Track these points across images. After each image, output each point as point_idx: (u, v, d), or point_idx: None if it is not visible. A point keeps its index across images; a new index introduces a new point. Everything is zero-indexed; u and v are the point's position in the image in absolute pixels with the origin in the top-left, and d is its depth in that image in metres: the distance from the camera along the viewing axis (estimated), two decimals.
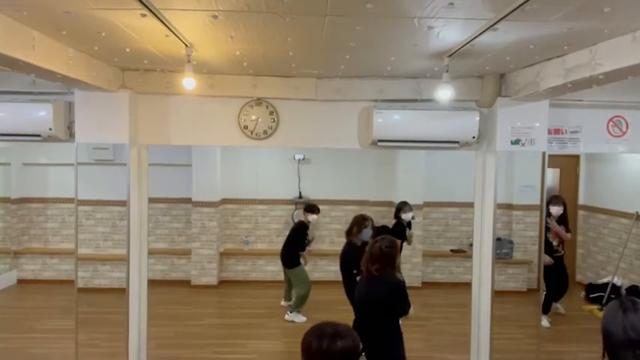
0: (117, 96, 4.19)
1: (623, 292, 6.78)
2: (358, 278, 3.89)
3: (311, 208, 6.57)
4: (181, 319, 6.32)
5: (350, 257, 4.88)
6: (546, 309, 6.20)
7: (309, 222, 6.58)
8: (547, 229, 6.06)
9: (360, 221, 5.05)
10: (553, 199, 6.16)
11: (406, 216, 6.44)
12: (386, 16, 2.61)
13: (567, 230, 6.18)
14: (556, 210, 6.07)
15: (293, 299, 6.51)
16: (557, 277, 6.18)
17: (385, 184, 7.80)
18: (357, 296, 3.62)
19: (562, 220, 6.14)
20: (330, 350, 1.75)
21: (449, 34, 2.90)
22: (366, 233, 4.98)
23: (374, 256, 3.44)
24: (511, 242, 7.77)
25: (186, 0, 2.40)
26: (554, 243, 6.19)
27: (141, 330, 4.52)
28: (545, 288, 6.07)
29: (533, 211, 7.57)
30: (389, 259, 3.43)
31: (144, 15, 2.57)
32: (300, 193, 8.04)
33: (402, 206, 6.47)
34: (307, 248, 6.62)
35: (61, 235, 7.96)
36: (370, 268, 3.45)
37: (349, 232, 5.09)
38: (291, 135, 4.49)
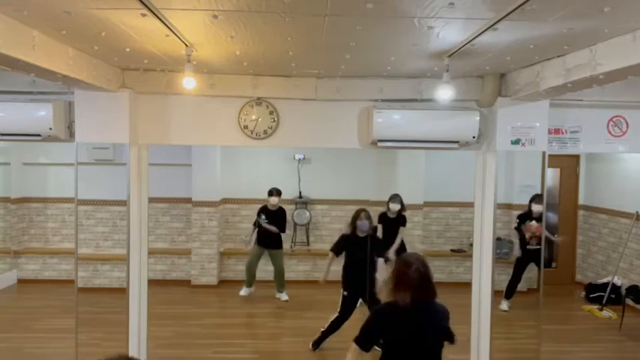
0: (117, 96, 4.19)
1: (623, 291, 6.79)
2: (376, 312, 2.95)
3: (269, 192, 7.11)
4: (181, 319, 6.32)
5: (337, 243, 5.50)
6: (509, 294, 6.81)
7: (272, 205, 7.12)
8: (521, 223, 6.72)
9: (354, 216, 5.36)
10: (536, 198, 6.52)
11: (393, 206, 6.71)
12: (386, 16, 2.60)
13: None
14: (538, 208, 6.39)
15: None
16: (522, 270, 6.81)
17: (385, 184, 7.80)
18: (393, 338, 2.70)
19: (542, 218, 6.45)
20: None
21: (449, 34, 2.90)
22: (362, 225, 5.26)
23: (412, 283, 2.61)
24: (511, 242, 7.76)
25: (186, 0, 2.40)
26: (527, 235, 6.65)
27: (141, 330, 4.52)
28: (513, 275, 6.85)
29: None
30: (430, 284, 2.68)
31: (144, 15, 2.57)
32: (300, 192, 8.04)
33: (392, 197, 6.81)
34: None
35: (61, 235, 7.97)
36: (404, 296, 2.62)
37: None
38: (291, 135, 4.49)
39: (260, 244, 7.15)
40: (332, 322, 5.38)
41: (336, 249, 5.44)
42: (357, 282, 5.27)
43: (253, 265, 7.19)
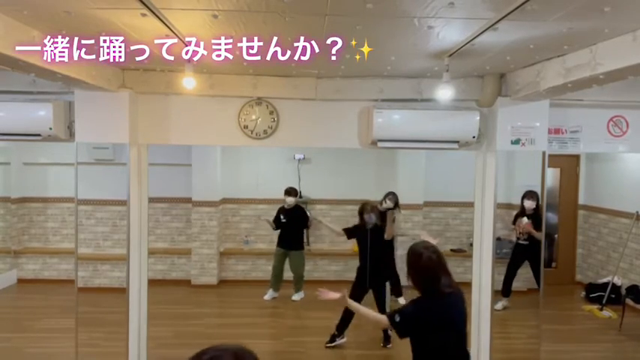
0: (117, 96, 4.19)
1: (623, 291, 6.79)
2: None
3: (286, 191, 7.12)
4: (181, 318, 6.32)
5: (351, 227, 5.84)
6: (506, 292, 6.75)
7: (288, 205, 7.11)
8: (515, 220, 6.80)
9: (360, 210, 5.63)
10: (527, 194, 6.64)
11: (387, 205, 6.69)
12: (386, 16, 2.60)
13: (534, 227, 6.54)
14: (529, 204, 6.59)
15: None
16: (515, 265, 6.80)
17: (385, 184, 7.79)
18: (447, 326, 2.83)
19: (535, 214, 6.53)
20: None
21: (449, 33, 2.90)
22: (368, 218, 5.53)
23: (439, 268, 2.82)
24: (511, 242, 7.76)
25: (186, 0, 2.40)
26: (517, 231, 6.78)
27: (141, 330, 4.52)
28: (507, 271, 6.78)
29: None
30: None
31: (144, 14, 2.57)
32: (300, 192, 8.04)
33: (387, 195, 6.79)
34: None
35: (61, 235, 7.96)
36: (441, 284, 2.80)
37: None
38: (291, 135, 4.49)
39: (281, 245, 7.18)
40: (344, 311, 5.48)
41: (347, 232, 5.78)
42: (361, 271, 5.54)
43: (278, 268, 7.20)
